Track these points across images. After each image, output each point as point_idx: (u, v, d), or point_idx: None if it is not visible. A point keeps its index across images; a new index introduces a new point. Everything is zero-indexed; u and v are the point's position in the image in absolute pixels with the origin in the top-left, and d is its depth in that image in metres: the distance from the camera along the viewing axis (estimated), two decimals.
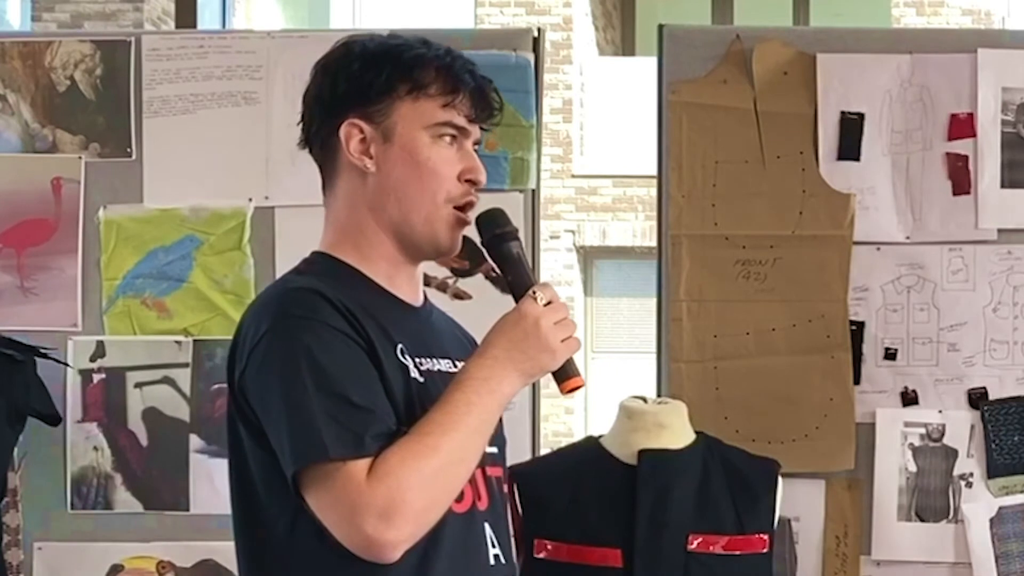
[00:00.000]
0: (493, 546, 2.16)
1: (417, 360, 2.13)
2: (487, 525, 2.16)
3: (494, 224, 2.17)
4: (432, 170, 2.14)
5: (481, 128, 2.21)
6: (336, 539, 2.00)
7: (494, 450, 2.22)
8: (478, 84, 2.18)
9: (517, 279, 2.15)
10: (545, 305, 2.09)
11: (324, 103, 2.18)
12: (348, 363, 2.03)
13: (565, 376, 2.12)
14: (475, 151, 2.19)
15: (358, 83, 2.15)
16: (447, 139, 2.16)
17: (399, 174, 2.15)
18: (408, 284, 2.21)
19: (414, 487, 1.97)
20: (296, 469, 1.99)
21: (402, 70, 2.14)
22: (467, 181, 2.16)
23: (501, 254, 2.17)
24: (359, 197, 2.17)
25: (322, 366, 2.01)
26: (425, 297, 2.26)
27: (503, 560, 2.18)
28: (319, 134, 2.19)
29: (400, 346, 2.11)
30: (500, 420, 2.24)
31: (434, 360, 2.17)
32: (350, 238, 2.18)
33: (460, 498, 2.09)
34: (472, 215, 2.18)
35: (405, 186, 2.15)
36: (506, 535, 2.22)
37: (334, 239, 2.20)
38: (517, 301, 2.12)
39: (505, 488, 2.27)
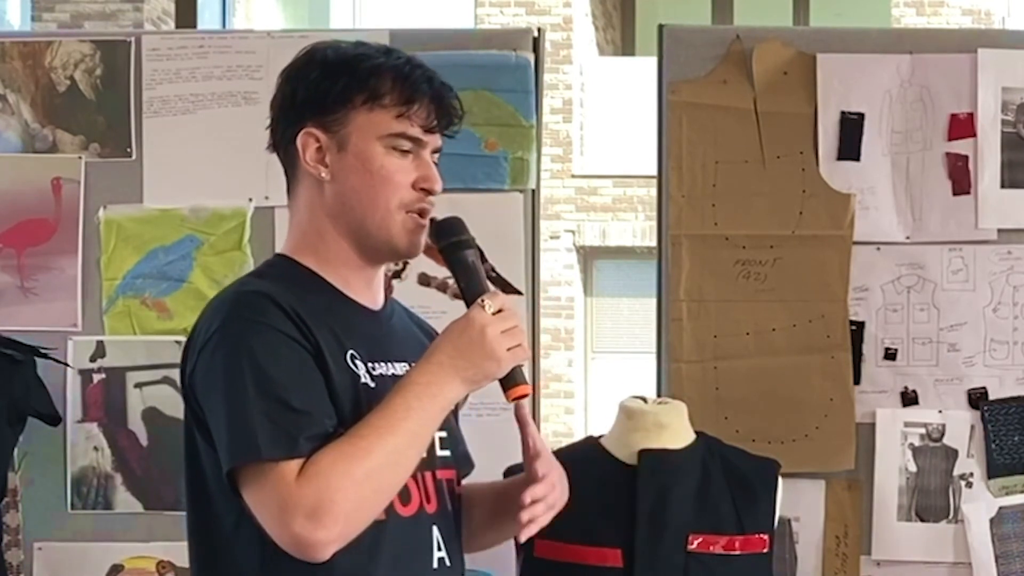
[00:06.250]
0: (439, 549, 2.19)
1: (370, 365, 2.16)
2: (435, 528, 2.19)
3: (451, 232, 2.21)
4: (384, 178, 2.17)
5: (444, 135, 2.23)
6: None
7: (446, 453, 2.25)
8: (436, 92, 2.20)
9: (469, 287, 2.17)
10: (494, 313, 2.11)
11: (285, 110, 2.22)
12: (291, 366, 2.06)
13: (511, 384, 2.14)
14: (434, 160, 2.21)
15: (316, 92, 2.18)
16: (401, 150, 2.18)
17: (353, 183, 2.18)
18: (367, 288, 2.24)
19: (343, 488, 1.99)
20: (230, 467, 2.04)
21: (358, 80, 2.17)
22: (421, 189, 2.19)
23: (455, 261, 2.20)
24: (318, 205, 2.21)
25: (264, 369, 2.05)
26: (387, 299, 2.28)
27: (448, 563, 2.21)
28: (282, 140, 2.23)
29: (351, 352, 2.14)
30: (456, 422, 2.28)
31: (389, 364, 2.19)
32: (310, 243, 2.22)
33: (407, 501, 2.13)
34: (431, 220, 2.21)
35: (359, 194, 2.18)
36: (455, 538, 2.25)
37: (295, 243, 2.25)
38: (468, 308, 2.14)
39: (457, 490, 2.29)
